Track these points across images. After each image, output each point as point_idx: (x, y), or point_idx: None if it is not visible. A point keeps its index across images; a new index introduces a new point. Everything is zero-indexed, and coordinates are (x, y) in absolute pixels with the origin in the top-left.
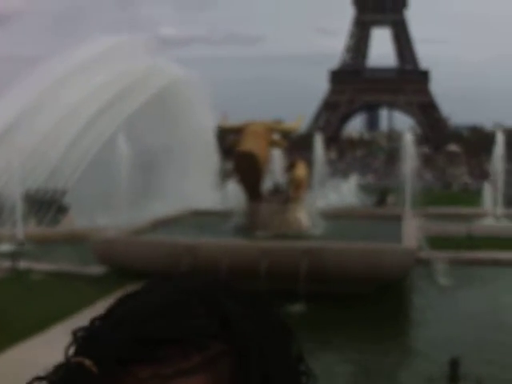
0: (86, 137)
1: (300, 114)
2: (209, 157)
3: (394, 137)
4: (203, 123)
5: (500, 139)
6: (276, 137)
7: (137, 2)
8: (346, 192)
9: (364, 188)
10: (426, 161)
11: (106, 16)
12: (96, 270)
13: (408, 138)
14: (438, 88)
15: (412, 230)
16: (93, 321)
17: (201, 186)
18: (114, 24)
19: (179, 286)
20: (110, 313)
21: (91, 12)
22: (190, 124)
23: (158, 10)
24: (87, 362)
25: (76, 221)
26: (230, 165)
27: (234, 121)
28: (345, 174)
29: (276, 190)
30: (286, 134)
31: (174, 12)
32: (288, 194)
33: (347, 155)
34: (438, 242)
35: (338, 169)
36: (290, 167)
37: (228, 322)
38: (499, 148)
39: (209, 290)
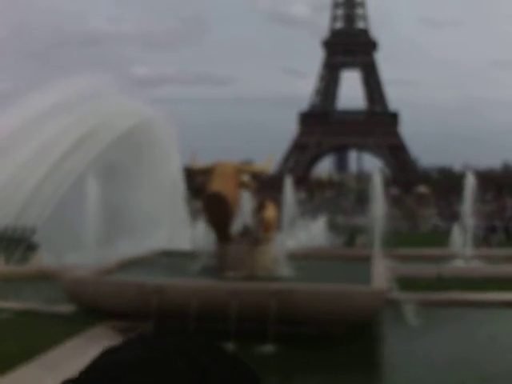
0: (56, 176)
1: (270, 155)
2: (177, 197)
3: (362, 178)
4: (172, 163)
5: (470, 181)
6: (245, 178)
7: (106, 41)
8: (315, 233)
9: (333, 229)
10: (395, 202)
11: (76, 54)
12: (65, 308)
13: (377, 179)
14: (408, 130)
15: (381, 271)
16: (72, 379)
17: (169, 226)
18: (83, 63)
19: (159, 342)
20: (90, 368)
21: (61, 50)
22: (158, 164)
23: (128, 49)
24: None
25: (45, 259)
26: (198, 205)
27: (203, 161)
28: (314, 215)
29: (245, 231)
30: (255, 176)
31: (145, 52)
32: (257, 236)
33: (316, 196)
34: (407, 283)
35: (308, 210)
36: (259, 208)
37: (207, 378)
38: (469, 189)
39: (188, 346)
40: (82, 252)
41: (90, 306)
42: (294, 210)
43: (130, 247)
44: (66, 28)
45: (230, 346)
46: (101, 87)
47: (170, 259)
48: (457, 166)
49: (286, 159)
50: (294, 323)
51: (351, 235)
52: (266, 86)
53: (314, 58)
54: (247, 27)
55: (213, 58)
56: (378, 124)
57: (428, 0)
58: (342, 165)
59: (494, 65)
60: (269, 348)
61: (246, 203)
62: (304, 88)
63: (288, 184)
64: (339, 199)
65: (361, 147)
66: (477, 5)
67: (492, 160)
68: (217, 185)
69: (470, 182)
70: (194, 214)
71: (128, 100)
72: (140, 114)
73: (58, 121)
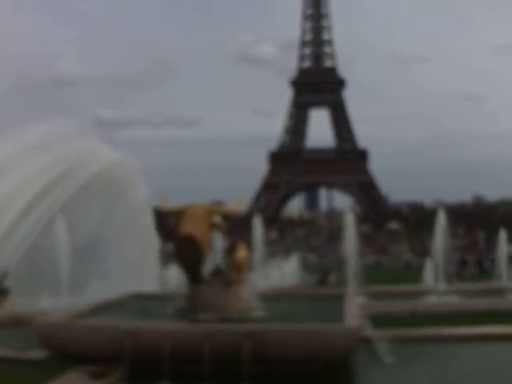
0: (25, 221)
1: (240, 196)
2: (148, 240)
3: (333, 216)
4: (141, 206)
5: (441, 217)
6: (217, 219)
7: (75, 84)
8: (287, 272)
9: (305, 268)
10: (367, 239)
11: (44, 98)
12: (37, 354)
13: (349, 217)
14: (377, 166)
15: (354, 309)
16: None
17: (141, 269)
18: (51, 107)
19: None
20: None
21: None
22: (127, 207)
23: (96, 92)
24: None
25: (16, 304)
26: (170, 247)
27: (173, 203)
28: (286, 254)
29: (217, 273)
30: (226, 217)
31: (113, 94)
32: (229, 277)
33: (288, 235)
34: (380, 320)
35: (279, 249)
36: (231, 249)
37: None
38: (440, 226)
39: None
40: (54, 296)
41: (62, 351)
42: (265, 250)
43: (102, 290)
44: (34, 72)
45: None
46: (68, 131)
47: (143, 302)
48: (428, 201)
49: (257, 199)
50: (268, 363)
51: (323, 274)
52: (234, 127)
53: (282, 98)
54: (215, 69)
55: (181, 99)
56: (347, 162)
57: (394, 36)
58: (312, 203)
59: (462, 98)
60: None
61: (217, 244)
62: (273, 127)
63: (257, 224)
64: (310, 238)
65: (331, 185)
66: (443, 39)
67: (463, 194)
68: (188, 227)
69: (441, 219)
70: (165, 256)
71: (95, 144)
72: (108, 157)
73: (27, 166)
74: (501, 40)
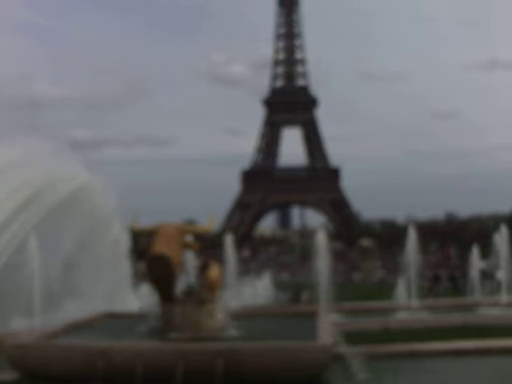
0: None
1: (212, 215)
2: (121, 259)
3: (306, 234)
4: (113, 226)
5: (412, 233)
6: (189, 238)
7: (48, 104)
8: (260, 290)
9: (278, 285)
10: (340, 256)
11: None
12: (9, 376)
13: (320, 236)
14: (350, 184)
15: (327, 327)
16: None
17: (114, 289)
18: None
19: None
20: None
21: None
22: (99, 227)
23: (69, 112)
24: None
25: None
26: (142, 266)
27: (146, 223)
28: (258, 273)
29: (190, 292)
30: (198, 236)
31: (86, 114)
32: (202, 296)
33: (260, 253)
34: (354, 337)
35: (252, 267)
36: (203, 268)
37: None
38: (411, 242)
39: None
40: (26, 317)
41: (34, 372)
42: (237, 268)
43: (75, 311)
44: (8, 92)
45: None
46: (40, 151)
47: (115, 321)
48: (400, 218)
49: (230, 217)
50: (242, 382)
51: (296, 291)
52: (207, 146)
53: (254, 117)
54: (188, 88)
55: (154, 119)
56: (319, 180)
57: (365, 56)
58: (285, 221)
59: (433, 117)
60: None
61: (189, 263)
62: (245, 146)
63: (229, 243)
64: (283, 256)
65: (303, 203)
66: (414, 58)
67: (435, 211)
68: (160, 246)
69: (412, 235)
70: (138, 276)
71: (68, 164)
72: (80, 178)
73: None
74: (472, 58)
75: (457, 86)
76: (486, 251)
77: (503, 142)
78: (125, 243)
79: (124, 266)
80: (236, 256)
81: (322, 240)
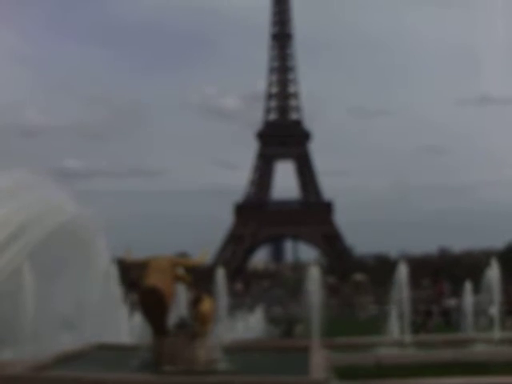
0: None
1: (204, 248)
2: (112, 291)
3: (299, 267)
4: (103, 258)
5: (403, 268)
6: (181, 272)
7: (39, 133)
8: (252, 324)
9: (271, 319)
10: (332, 291)
11: (8, 147)
12: None
13: (313, 270)
14: (343, 218)
15: (319, 361)
16: None
17: (106, 320)
18: (15, 156)
19: None
20: None
21: None
22: (89, 259)
23: (61, 141)
24: None
25: None
26: (134, 297)
27: (138, 255)
28: (251, 306)
29: (182, 325)
30: (191, 269)
31: (77, 144)
32: (194, 329)
33: (253, 287)
34: (346, 372)
35: (245, 300)
36: (196, 302)
37: None
38: (403, 277)
39: None
40: (18, 347)
41: None
42: (229, 302)
43: (67, 341)
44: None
45: None
46: (29, 182)
47: (108, 353)
48: (393, 252)
49: (222, 250)
50: None
51: (289, 326)
52: (199, 178)
53: (246, 150)
54: (179, 120)
55: (146, 150)
56: (312, 213)
57: (358, 90)
58: (278, 255)
59: (425, 151)
60: None
61: (181, 296)
62: (238, 179)
63: (220, 276)
64: (276, 289)
65: (296, 237)
66: (405, 93)
67: (428, 245)
68: (152, 279)
69: (404, 270)
70: (130, 308)
71: (57, 195)
72: (70, 209)
73: None
74: (461, 93)
75: (449, 120)
76: (479, 286)
77: (496, 177)
78: (115, 276)
79: (115, 298)
80: (228, 289)
81: (314, 274)
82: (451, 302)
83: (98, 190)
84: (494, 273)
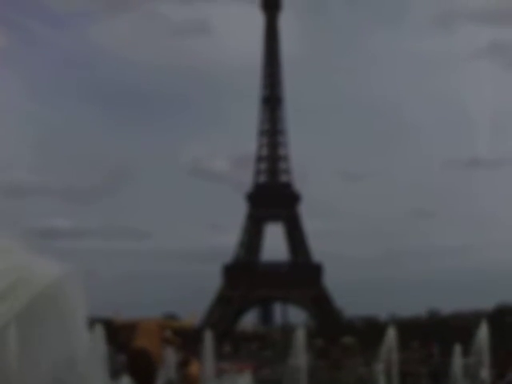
0: None
1: (193, 311)
2: (98, 353)
3: (287, 330)
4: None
5: (391, 332)
6: (169, 334)
7: (28, 193)
8: None
9: (259, 381)
10: (321, 353)
11: None
12: None
13: (299, 334)
14: (332, 280)
15: None
16: None
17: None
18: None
19: None
20: None
21: None
22: (77, 322)
23: (49, 201)
24: None
25: None
26: (122, 358)
27: (126, 315)
28: (239, 370)
29: None
30: (179, 332)
31: (66, 204)
32: None
33: (242, 349)
34: None
35: (233, 363)
36: (183, 364)
37: None
38: (391, 341)
39: None
40: None
41: None
42: (216, 363)
43: None
44: None
45: None
46: (15, 243)
47: None
48: (383, 314)
49: (211, 312)
50: None
51: None
52: (188, 240)
53: (235, 211)
54: (168, 181)
55: (135, 211)
56: (301, 276)
57: (347, 154)
58: (266, 317)
59: (413, 213)
60: None
61: (169, 358)
62: (227, 241)
63: (208, 339)
64: (265, 352)
65: (285, 299)
66: (393, 156)
67: (417, 308)
68: (140, 341)
69: (392, 333)
70: (117, 370)
71: (45, 256)
72: (54, 271)
73: None
74: (448, 156)
75: (437, 184)
76: (468, 349)
77: (484, 240)
78: (102, 335)
79: (101, 360)
80: (217, 352)
81: (301, 337)
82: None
83: (87, 250)
84: (483, 335)
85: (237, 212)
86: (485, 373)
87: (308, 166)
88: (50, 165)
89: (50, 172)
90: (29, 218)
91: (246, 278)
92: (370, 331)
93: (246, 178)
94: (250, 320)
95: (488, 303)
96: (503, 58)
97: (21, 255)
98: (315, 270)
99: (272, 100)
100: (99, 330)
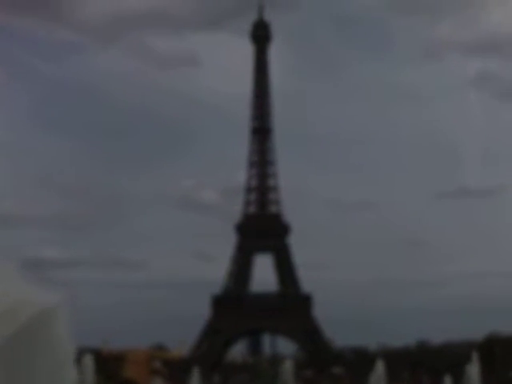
0: None
1: (181, 341)
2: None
3: (276, 360)
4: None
5: (380, 365)
6: (157, 364)
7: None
8: None
9: None
10: (310, 383)
11: None
12: None
13: (287, 365)
14: (322, 311)
15: None
16: None
17: None
18: None
19: None
20: None
21: None
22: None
23: (39, 232)
24: None
25: None
26: None
27: (115, 345)
28: None
29: None
30: (167, 362)
31: (56, 235)
32: None
33: (231, 379)
34: None
35: None
36: None
37: None
38: (380, 373)
39: None
40: None
41: None
42: None
43: None
44: None
45: None
46: (5, 272)
47: None
48: (372, 345)
49: (200, 343)
50: None
51: None
52: (177, 271)
53: (225, 242)
54: (158, 212)
55: (126, 242)
56: (290, 307)
57: (337, 184)
58: (256, 347)
59: (406, 244)
60: None
61: None
62: (216, 272)
63: (195, 373)
64: (253, 383)
65: (274, 330)
66: (385, 186)
67: (407, 338)
68: (129, 371)
69: (381, 366)
70: None
71: (33, 286)
72: (43, 302)
73: None
74: (440, 187)
75: (427, 213)
76: (459, 379)
77: (473, 269)
78: (91, 365)
79: None
80: (205, 383)
81: (289, 369)
82: None
83: (77, 280)
84: (474, 367)
85: (226, 243)
86: None
87: (297, 197)
88: (41, 197)
89: (40, 204)
90: (19, 249)
91: (234, 308)
92: (360, 362)
93: (236, 209)
94: (239, 350)
95: (478, 333)
96: (491, 88)
97: (7, 284)
98: (304, 301)
99: (261, 131)
100: (88, 360)
